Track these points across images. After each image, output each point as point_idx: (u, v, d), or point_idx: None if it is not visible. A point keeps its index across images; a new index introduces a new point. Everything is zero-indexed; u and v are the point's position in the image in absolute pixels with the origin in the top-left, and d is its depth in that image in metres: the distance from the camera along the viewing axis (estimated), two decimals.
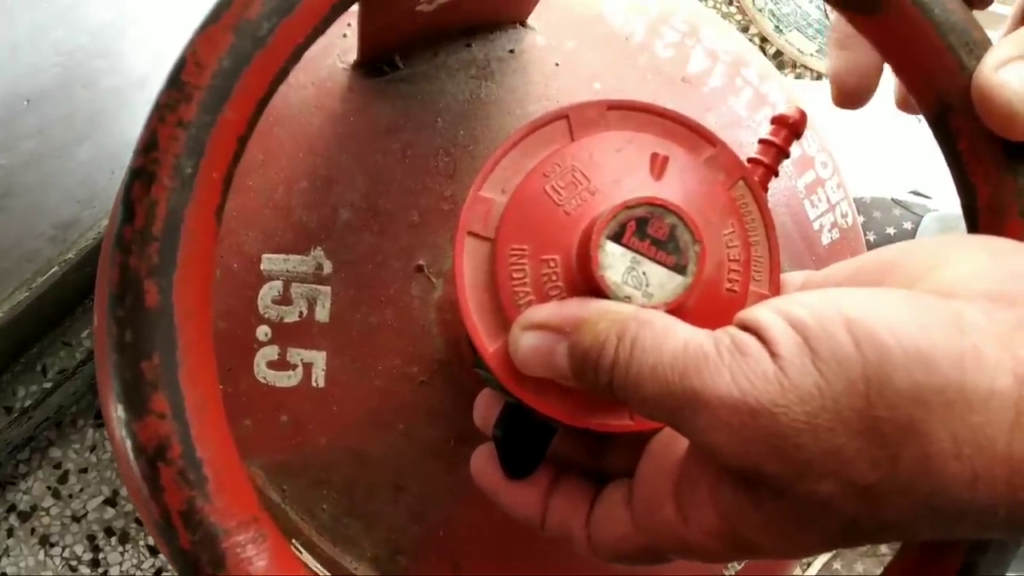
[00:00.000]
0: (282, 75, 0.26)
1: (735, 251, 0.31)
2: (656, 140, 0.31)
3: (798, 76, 1.24)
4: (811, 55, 1.18)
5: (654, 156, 0.31)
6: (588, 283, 0.28)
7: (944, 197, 1.15)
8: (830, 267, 0.31)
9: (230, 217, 0.41)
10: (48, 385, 0.90)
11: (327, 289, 0.41)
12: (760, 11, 1.19)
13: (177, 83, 0.24)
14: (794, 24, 1.17)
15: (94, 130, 0.65)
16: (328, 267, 0.41)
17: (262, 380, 0.40)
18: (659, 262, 0.28)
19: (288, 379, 0.40)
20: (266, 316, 0.41)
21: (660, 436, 0.30)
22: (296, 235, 0.41)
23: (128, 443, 0.24)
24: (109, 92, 0.63)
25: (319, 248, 0.41)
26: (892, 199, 1.13)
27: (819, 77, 1.23)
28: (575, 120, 0.31)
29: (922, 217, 1.09)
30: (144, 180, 0.24)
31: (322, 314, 0.41)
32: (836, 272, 0.30)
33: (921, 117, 0.31)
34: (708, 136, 0.32)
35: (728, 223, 0.31)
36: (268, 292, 0.41)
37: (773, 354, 0.22)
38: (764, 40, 1.21)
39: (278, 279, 0.41)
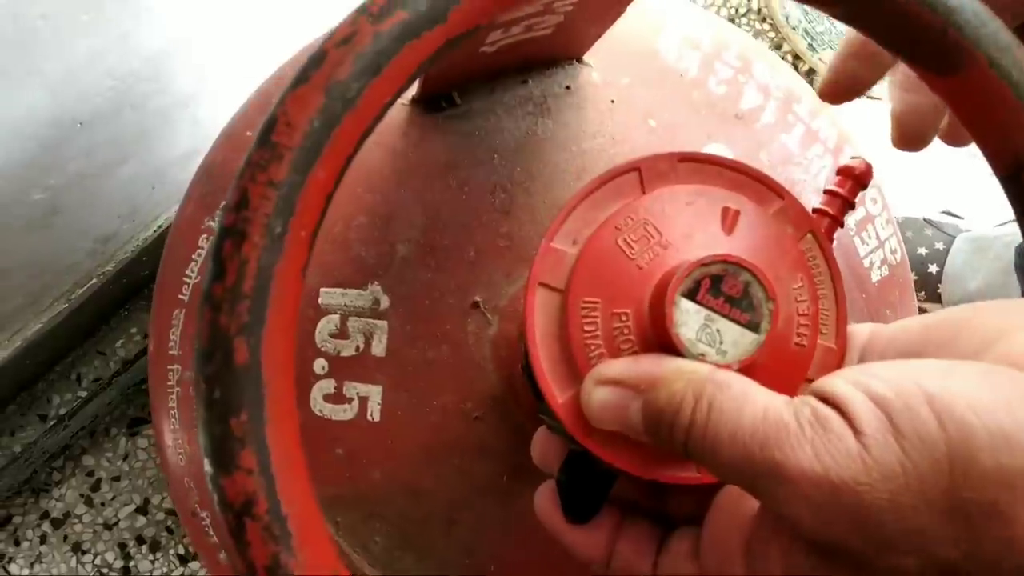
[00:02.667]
0: (368, 132, 0.26)
1: (803, 305, 0.31)
2: (726, 193, 0.31)
3: None
4: None
5: (725, 210, 0.31)
6: (661, 339, 0.28)
7: (976, 217, 1.14)
8: (896, 324, 0.31)
9: None
10: (84, 394, 0.91)
11: (384, 324, 0.41)
12: (794, 29, 1.18)
13: (268, 143, 0.25)
14: (828, 43, 1.16)
15: (138, 149, 0.66)
16: (385, 302, 0.41)
17: (318, 413, 0.41)
18: (733, 319, 0.28)
19: (344, 412, 0.41)
20: (323, 349, 0.41)
21: (728, 492, 0.30)
22: (354, 270, 0.41)
23: (215, 497, 0.24)
24: (155, 112, 0.63)
25: (376, 283, 0.41)
26: (924, 219, 1.12)
27: None
28: (646, 172, 0.31)
29: (954, 238, 1.09)
30: (235, 238, 0.24)
31: (379, 348, 0.41)
32: (903, 332, 0.30)
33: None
34: (776, 188, 0.32)
35: (797, 278, 0.31)
36: (326, 326, 0.41)
37: (856, 430, 0.22)
38: (797, 58, 1.21)
39: (336, 313, 0.41)
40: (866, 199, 0.50)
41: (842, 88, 0.41)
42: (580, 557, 0.33)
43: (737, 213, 0.31)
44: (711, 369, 0.27)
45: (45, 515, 0.94)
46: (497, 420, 0.41)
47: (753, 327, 0.28)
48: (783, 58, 1.22)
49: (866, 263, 0.49)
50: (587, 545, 0.33)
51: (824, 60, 1.17)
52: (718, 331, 0.28)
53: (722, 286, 0.28)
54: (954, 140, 0.41)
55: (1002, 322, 0.26)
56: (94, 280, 0.83)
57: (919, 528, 0.22)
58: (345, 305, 0.41)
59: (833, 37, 1.16)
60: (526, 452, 0.40)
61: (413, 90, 0.43)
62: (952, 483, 0.21)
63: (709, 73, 0.48)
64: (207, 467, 0.24)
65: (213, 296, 0.24)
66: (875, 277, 0.49)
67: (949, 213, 1.15)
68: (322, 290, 0.41)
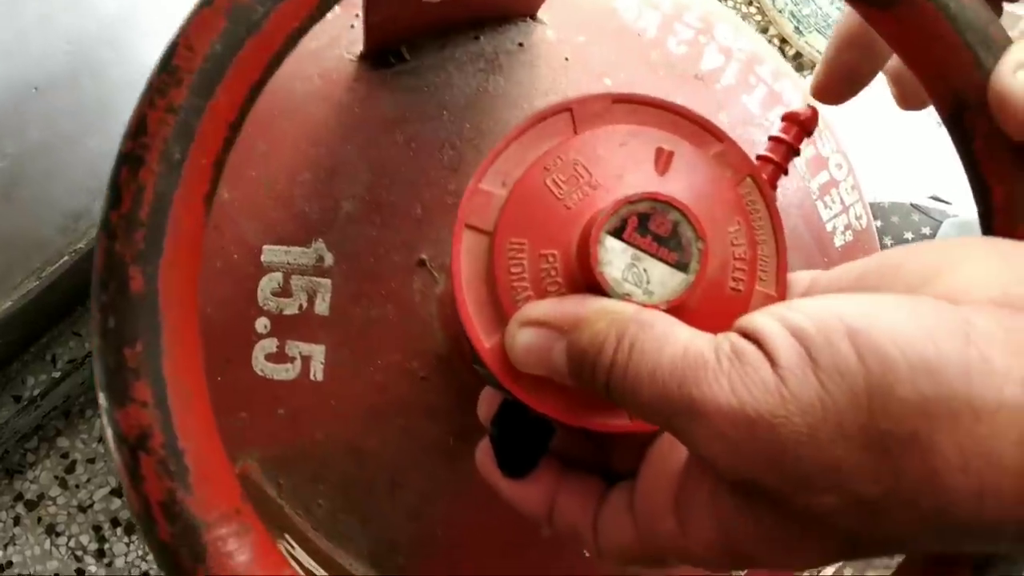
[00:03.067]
0: (277, 60, 0.25)
1: (740, 250, 0.30)
2: (662, 135, 0.30)
3: None
4: None
5: (659, 151, 0.30)
6: (587, 279, 0.27)
7: (964, 202, 1.13)
8: (837, 268, 0.30)
9: (231, 207, 0.41)
10: (57, 375, 0.90)
11: (327, 282, 0.40)
12: (780, 12, 1.17)
13: (168, 67, 0.24)
14: (814, 26, 1.15)
15: (103, 121, 0.65)
16: (329, 259, 0.40)
17: (260, 372, 0.40)
18: (660, 259, 0.27)
19: (286, 372, 0.40)
20: (265, 308, 0.40)
21: (659, 445, 0.29)
22: (297, 226, 0.41)
23: (110, 431, 0.23)
24: (118, 82, 0.62)
25: (320, 240, 0.40)
26: (911, 204, 1.11)
27: None
28: (579, 113, 0.30)
29: (941, 223, 1.08)
30: (132, 165, 0.23)
31: (322, 307, 0.40)
32: (842, 275, 0.29)
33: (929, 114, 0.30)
34: (716, 132, 0.31)
35: (734, 221, 0.30)
36: (268, 284, 0.40)
37: (773, 363, 0.22)
38: (784, 41, 1.20)
39: (278, 271, 0.40)
40: (830, 164, 0.49)
41: (838, 83, 0.38)
42: (522, 512, 0.32)
43: (671, 154, 0.30)
44: (636, 309, 0.26)
45: (19, 497, 0.93)
46: (443, 380, 0.40)
47: (682, 267, 0.27)
48: (770, 42, 1.21)
49: (829, 227, 0.48)
50: (526, 500, 0.32)
51: (811, 43, 1.16)
52: (645, 270, 0.27)
53: (650, 224, 0.27)
54: (908, 104, 0.40)
55: (937, 262, 0.25)
56: (66, 258, 0.82)
57: (836, 463, 0.21)
58: (288, 263, 0.40)
59: (819, 19, 1.15)
60: (473, 412, 0.39)
61: (361, 45, 0.42)
62: (871, 416, 0.20)
63: (668, 33, 0.47)
64: (103, 400, 0.23)
65: (109, 223, 0.23)
66: (838, 242, 0.48)
67: (937, 198, 1.14)
68: (265, 247, 0.40)
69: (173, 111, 0.24)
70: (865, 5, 0.29)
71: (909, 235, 1.08)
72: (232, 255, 0.40)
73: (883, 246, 1.01)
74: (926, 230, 1.09)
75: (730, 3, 1.21)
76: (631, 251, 0.27)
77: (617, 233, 0.27)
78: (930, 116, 1.22)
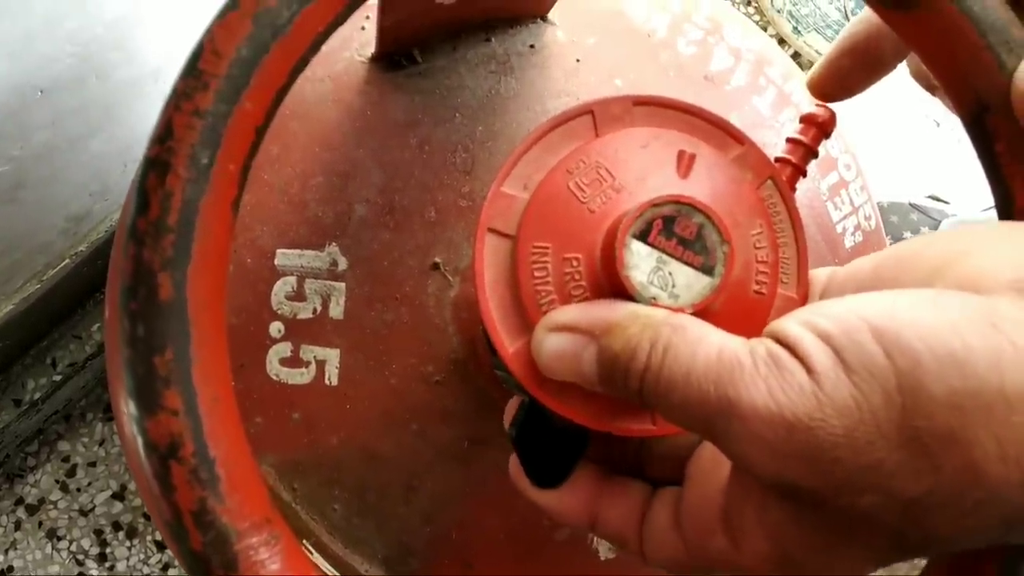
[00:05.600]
0: (302, 64, 0.25)
1: (763, 252, 0.30)
2: (683, 137, 0.30)
3: None
4: None
5: (681, 153, 0.30)
6: (612, 283, 0.27)
7: (963, 202, 1.13)
8: (852, 264, 0.30)
9: (244, 211, 0.40)
10: (58, 378, 0.89)
11: (342, 286, 0.40)
12: (779, 12, 1.18)
13: (194, 71, 0.24)
14: (813, 25, 1.15)
15: (107, 122, 0.65)
16: (343, 263, 0.40)
17: (274, 377, 0.40)
18: (686, 262, 0.27)
19: (301, 376, 0.40)
20: (279, 312, 0.40)
21: (699, 463, 0.29)
22: (311, 230, 0.40)
23: (139, 440, 0.23)
24: (123, 84, 0.62)
25: (334, 244, 0.40)
26: (910, 203, 1.11)
27: None
28: (600, 116, 0.30)
29: (940, 222, 1.08)
30: (159, 170, 0.23)
31: (336, 311, 0.40)
32: (858, 270, 0.29)
33: (938, 111, 0.30)
34: (736, 134, 0.31)
35: (756, 223, 0.30)
36: (282, 288, 0.40)
37: (808, 369, 0.22)
38: (782, 42, 1.20)
39: (292, 275, 0.40)
40: (839, 165, 0.49)
41: (831, 85, 0.38)
42: (562, 522, 0.32)
43: (693, 157, 0.30)
44: (667, 313, 0.26)
45: (19, 501, 0.92)
46: (458, 384, 0.40)
47: (707, 270, 0.27)
48: None
49: (839, 228, 0.48)
50: (566, 510, 0.31)
51: (809, 43, 1.17)
52: (670, 274, 0.27)
53: (675, 227, 0.27)
54: (921, 78, 0.39)
55: (951, 250, 0.25)
56: (67, 261, 0.82)
57: (875, 463, 0.21)
58: (302, 267, 0.40)
59: (818, 19, 1.15)
60: (488, 417, 0.39)
61: (373, 48, 0.42)
62: (904, 413, 0.20)
63: (678, 34, 0.47)
64: (131, 409, 0.23)
65: (137, 230, 0.23)
66: (848, 243, 0.49)
67: (935, 198, 1.15)
68: (278, 251, 0.40)
69: (200, 115, 0.23)
70: (884, 7, 0.29)
71: (908, 235, 1.08)
72: (246, 259, 0.40)
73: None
74: (925, 230, 1.09)
75: (728, 3, 1.21)
76: (656, 254, 0.27)
77: (642, 236, 0.27)
78: (928, 116, 1.22)
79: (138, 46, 0.60)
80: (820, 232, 0.47)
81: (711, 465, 0.29)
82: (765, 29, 1.20)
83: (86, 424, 0.95)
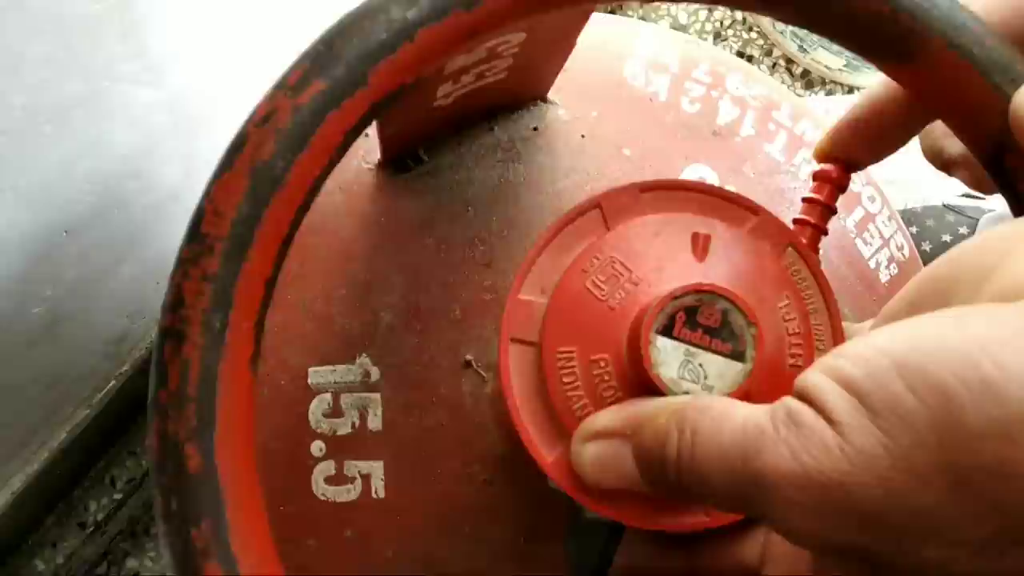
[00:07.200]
0: (302, 211, 0.25)
1: (793, 324, 0.29)
2: (695, 218, 0.30)
3: (829, 92, 1.22)
4: (840, 70, 1.16)
5: (695, 236, 0.29)
6: (643, 382, 0.27)
7: (998, 196, 1.10)
8: (889, 303, 0.29)
9: (272, 333, 0.40)
10: (119, 496, 0.90)
11: (377, 396, 0.40)
12: (782, 33, 1.17)
13: (197, 236, 0.24)
14: (818, 42, 1.15)
15: (134, 247, 0.66)
16: (375, 373, 0.40)
17: (322, 497, 0.39)
18: (715, 351, 0.26)
19: (348, 493, 0.39)
20: (319, 431, 0.40)
21: (778, 544, 0.28)
22: (340, 344, 0.40)
23: None
24: (144, 210, 0.63)
25: (364, 355, 0.40)
26: (944, 205, 1.09)
27: (851, 91, 1.21)
28: (608, 208, 0.30)
29: (977, 220, 1.05)
30: (174, 340, 0.23)
31: (375, 423, 0.40)
32: (895, 307, 0.27)
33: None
34: (748, 204, 0.31)
35: (783, 295, 0.29)
36: (318, 406, 0.40)
37: (830, 421, 0.20)
38: (790, 61, 1.20)
39: (327, 391, 0.40)
40: (863, 199, 0.48)
41: (833, 158, 0.36)
42: None
43: (708, 237, 0.29)
44: (692, 396, 0.25)
45: None
46: (507, 480, 0.40)
47: (738, 356, 0.27)
48: (775, 63, 1.21)
49: (872, 264, 0.47)
50: None
51: (817, 60, 1.16)
52: (701, 365, 0.26)
53: (698, 317, 0.26)
54: (934, 158, 0.38)
55: (987, 260, 0.23)
56: (112, 382, 0.83)
57: (924, 510, 0.19)
58: (335, 382, 0.40)
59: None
60: (541, 511, 0.39)
61: (379, 154, 0.43)
62: (943, 453, 0.19)
63: (680, 93, 0.47)
64: None
65: (159, 403, 0.23)
66: (884, 277, 0.47)
67: (969, 195, 1.12)
68: (310, 369, 0.40)
69: (208, 279, 0.23)
70: (885, 61, 0.28)
71: (947, 237, 1.06)
72: (279, 382, 0.40)
73: (921, 251, 0.99)
74: (963, 229, 1.06)
75: (731, 32, 1.21)
76: (683, 347, 0.26)
77: (667, 331, 0.26)
78: None
79: (154, 171, 0.61)
80: (853, 272, 0.46)
81: (786, 545, 0.28)
82: (770, 52, 1.20)
83: (151, 539, 0.95)
